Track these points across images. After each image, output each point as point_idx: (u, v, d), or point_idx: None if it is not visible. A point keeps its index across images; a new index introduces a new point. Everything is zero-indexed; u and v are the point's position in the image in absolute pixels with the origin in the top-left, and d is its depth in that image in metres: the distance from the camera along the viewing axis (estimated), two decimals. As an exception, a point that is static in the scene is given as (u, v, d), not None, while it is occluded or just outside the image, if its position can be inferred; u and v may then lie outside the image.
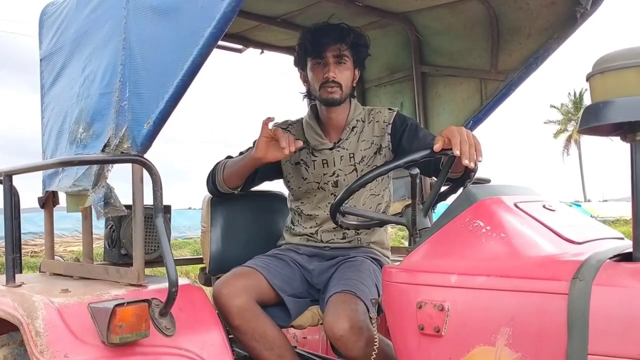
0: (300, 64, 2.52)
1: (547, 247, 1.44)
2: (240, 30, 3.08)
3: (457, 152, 1.78)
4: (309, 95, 2.57)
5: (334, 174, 2.47)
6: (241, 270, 2.27)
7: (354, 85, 2.49)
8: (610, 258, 1.31)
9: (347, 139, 2.47)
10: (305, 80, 2.52)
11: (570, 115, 60.04)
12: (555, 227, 1.51)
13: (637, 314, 1.18)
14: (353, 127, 2.47)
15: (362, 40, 2.47)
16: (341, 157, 2.46)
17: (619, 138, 1.37)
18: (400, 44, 3.15)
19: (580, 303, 1.24)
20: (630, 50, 1.25)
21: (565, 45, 2.66)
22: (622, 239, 1.63)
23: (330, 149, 2.48)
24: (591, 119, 1.28)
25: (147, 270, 1.95)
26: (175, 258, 1.80)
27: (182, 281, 1.78)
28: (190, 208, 16.66)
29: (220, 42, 3.20)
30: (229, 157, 2.55)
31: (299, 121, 2.61)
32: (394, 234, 13.83)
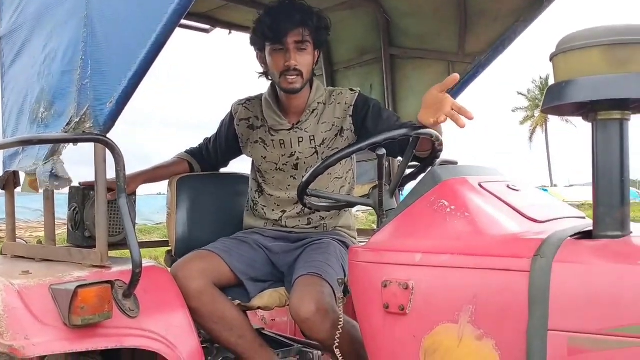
0: (257, 45, 2.41)
1: (509, 226, 1.45)
2: (206, 9, 3.03)
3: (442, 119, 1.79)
4: (266, 77, 2.47)
5: (292, 155, 2.43)
6: (198, 254, 2.26)
7: (314, 68, 2.41)
8: (571, 236, 1.33)
9: (306, 121, 2.41)
10: (263, 62, 2.42)
11: (537, 101, 60.87)
12: (518, 206, 1.53)
13: (597, 290, 1.21)
14: (314, 110, 2.42)
15: (324, 23, 2.36)
16: (300, 138, 2.42)
17: (581, 119, 1.39)
18: (369, 26, 3.14)
19: (541, 280, 1.25)
20: (592, 30, 1.27)
21: (534, 32, 2.68)
22: (583, 218, 1.65)
23: (288, 130, 2.43)
24: (554, 99, 1.30)
25: (114, 254, 1.92)
26: (141, 241, 1.78)
27: (146, 263, 1.76)
28: (159, 194, 16.49)
29: (186, 22, 3.17)
30: (207, 139, 2.69)
31: (259, 97, 2.54)
32: (364, 219, 13.92)
